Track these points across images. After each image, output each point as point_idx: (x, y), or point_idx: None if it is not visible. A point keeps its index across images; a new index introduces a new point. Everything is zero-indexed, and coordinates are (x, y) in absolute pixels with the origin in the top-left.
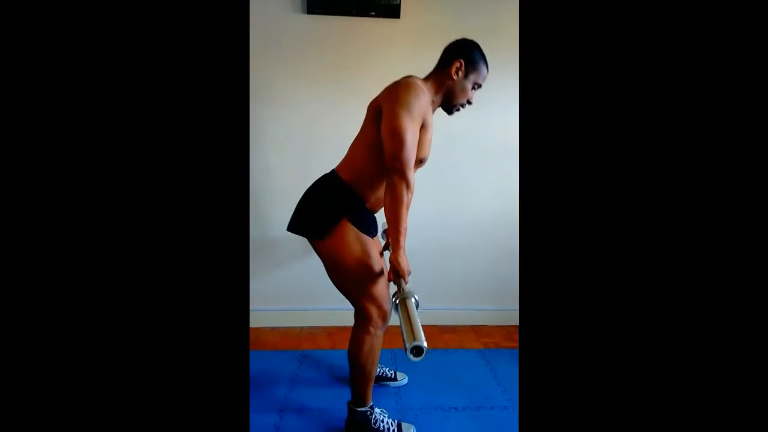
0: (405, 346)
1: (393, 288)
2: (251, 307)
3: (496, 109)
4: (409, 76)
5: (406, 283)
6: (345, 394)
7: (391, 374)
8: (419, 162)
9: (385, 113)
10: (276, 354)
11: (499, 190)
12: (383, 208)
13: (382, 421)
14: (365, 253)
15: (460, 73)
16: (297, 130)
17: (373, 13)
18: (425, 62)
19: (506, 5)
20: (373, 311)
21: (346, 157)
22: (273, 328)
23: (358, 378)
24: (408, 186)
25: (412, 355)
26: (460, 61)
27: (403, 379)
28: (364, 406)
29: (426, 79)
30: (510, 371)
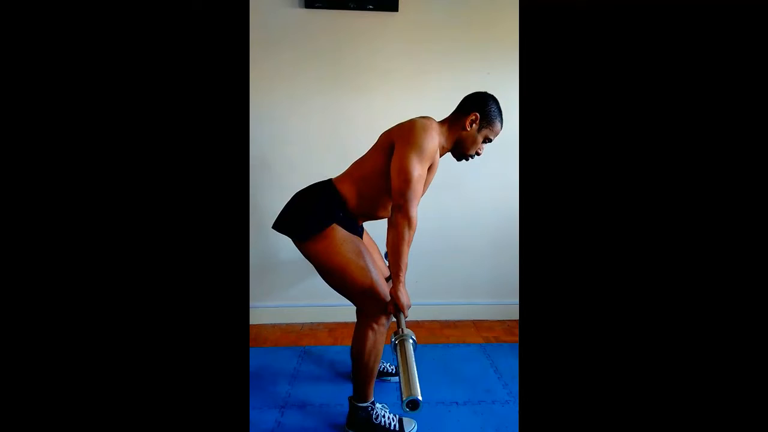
0: (401, 398)
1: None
2: (252, 303)
3: None
4: (426, 118)
5: (406, 317)
6: (346, 389)
7: (392, 370)
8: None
9: (397, 151)
10: (277, 350)
11: (499, 184)
12: (386, 243)
13: (384, 416)
14: (357, 253)
15: (474, 125)
16: (294, 125)
17: (371, 7)
18: (424, 55)
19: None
20: (375, 308)
21: (347, 172)
22: (274, 325)
23: (360, 374)
24: (410, 224)
25: (407, 409)
26: (476, 114)
27: None
28: (366, 402)
29: (441, 123)
30: (511, 365)
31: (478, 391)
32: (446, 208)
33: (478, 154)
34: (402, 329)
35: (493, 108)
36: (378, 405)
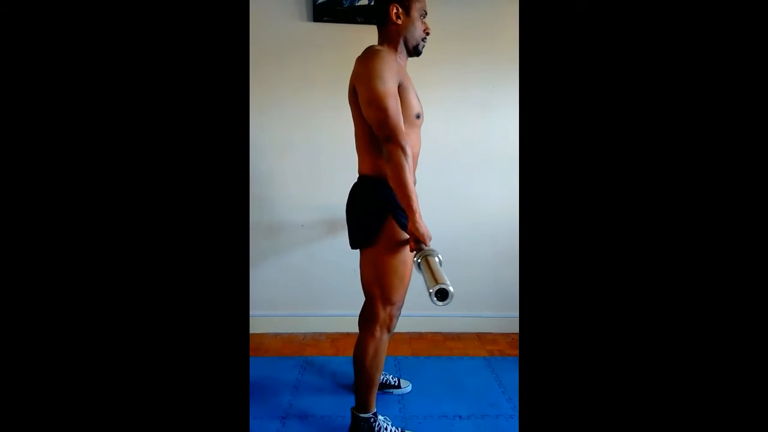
0: (429, 291)
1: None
2: (255, 312)
3: (500, 114)
4: (369, 47)
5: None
6: (348, 401)
7: (395, 382)
8: (417, 118)
9: (359, 90)
10: (279, 360)
11: (504, 195)
12: (387, 178)
13: (386, 429)
14: (404, 261)
15: (401, 14)
16: (302, 138)
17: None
18: (429, 67)
19: (509, 12)
20: (383, 314)
21: (358, 156)
22: (276, 334)
23: (362, 382)
24: (404, 150)
25: (436, 299)
26: (395, 5)
27: (407, 386)
28: (368, 413)
29: (381, 42)
30: (515, 379)
31: (482, 404)
32: (450, 219)
33: (427, 33)
34: (424, 249)
35: None
36: (381, 417)
